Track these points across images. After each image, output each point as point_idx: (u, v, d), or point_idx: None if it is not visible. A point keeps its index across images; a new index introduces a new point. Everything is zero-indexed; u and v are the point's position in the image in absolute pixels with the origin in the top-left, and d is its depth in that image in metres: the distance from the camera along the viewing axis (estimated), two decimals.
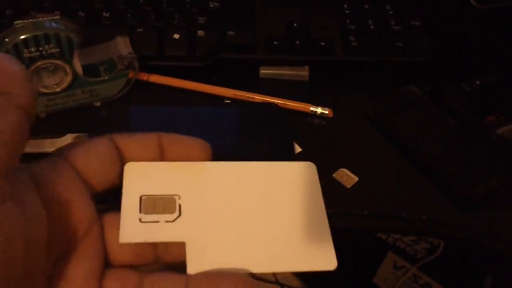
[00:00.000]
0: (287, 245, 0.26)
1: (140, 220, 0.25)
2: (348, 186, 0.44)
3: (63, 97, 0.45)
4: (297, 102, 0.49)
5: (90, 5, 0.52)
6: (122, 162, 0.26)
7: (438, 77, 0.53)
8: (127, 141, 0.26)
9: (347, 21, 0.54)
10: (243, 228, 0.26)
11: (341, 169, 0.45)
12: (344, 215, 0.42)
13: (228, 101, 0.49)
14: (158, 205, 0.26)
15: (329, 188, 0.44)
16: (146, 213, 0.25)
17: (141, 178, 0.26)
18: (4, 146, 0.19)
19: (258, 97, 0.49)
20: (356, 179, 0.44)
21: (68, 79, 0.44)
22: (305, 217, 0.27)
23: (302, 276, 1.25)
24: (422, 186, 0.45)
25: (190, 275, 0.24)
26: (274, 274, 1.25)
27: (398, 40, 0.53)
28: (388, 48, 0.53)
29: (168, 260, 0.26)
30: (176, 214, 0.26)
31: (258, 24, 0.53)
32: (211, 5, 0.54)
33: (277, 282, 1.24)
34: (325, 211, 0.28)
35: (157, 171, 0.27)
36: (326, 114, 0.48)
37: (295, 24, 0.53)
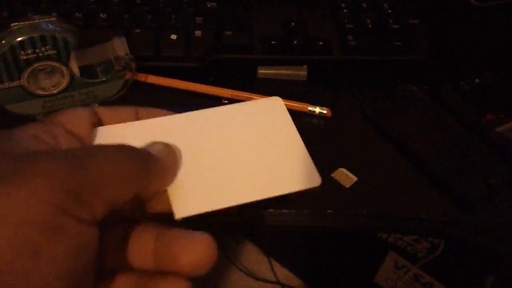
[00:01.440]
0: (268, 173, 0.28)
1: None
2: (347, 186, 0.43)
3: (60, 98, 0.45)
4: (295, 102, 0.49)
5: (87, 6, 0.52)
6: None
7: (437, 76, 0.53)
8: (109, 112, 0.28)
9: (345, 20, 0.54)
10: (222, 166, 0.27)
11: (339, 169, 0.44)
12: (343, 215, 0.42)
13: (225, 101, 0.49)
14: None
15: (328, 188, 0.44)
16: None
17: (113, 139, 0.27)
18: (66, 271, 0.19)
19: (256, 98, 0.49)
20: (355, 179, 0.44)
21: (65, 81, 0.44)
22: (281, 146, 0.29)
23: (303, 276, 1.25)
24: (421, 185, 0.44)
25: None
26: (275, 275, 1.25)
27: (396, 39, 0.53)
28: (386, 47, 0.52)
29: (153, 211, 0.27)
30: None
31: (255, 24, 0.53)
32: (208, 5, 0.54)
33: (278, 282, 1.24)
34: (300, 138, 0.30)
35: (127, 131, 0.28)
36: (325, 114, 0.48)
37: (292, 24, 0.53)
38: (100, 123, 0.28)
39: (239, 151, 0.28)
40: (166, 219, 0.26)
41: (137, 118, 0.29)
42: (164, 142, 0.26)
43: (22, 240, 0.18)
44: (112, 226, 0.25)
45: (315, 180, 0.28)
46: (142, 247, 0.25)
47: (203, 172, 0.27)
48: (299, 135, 0.30)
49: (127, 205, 0.24)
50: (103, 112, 0.28)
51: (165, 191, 0.26)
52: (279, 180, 0.28)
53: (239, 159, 0.28)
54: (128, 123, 0.28)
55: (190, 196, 0.26)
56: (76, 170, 0.20)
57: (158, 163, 0.25)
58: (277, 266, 1.28)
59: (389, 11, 0.55)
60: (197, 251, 0.23)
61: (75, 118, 0.27)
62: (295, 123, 0.47)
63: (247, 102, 0.31)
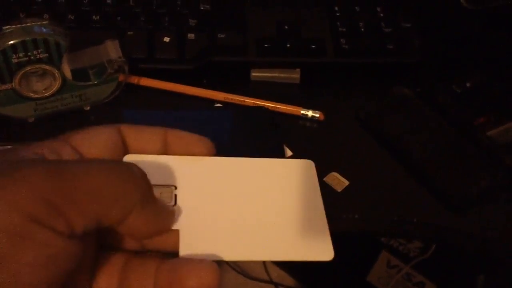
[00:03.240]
0: (282, 235, 0.27)
1: None
2: (339, 190, 0.44)
3: (52, 101, 0.45)
4: (288, 105, 0.49)
5: (80, 8, 0.52)
6: (126, 153, 0.26)
7: (429, 79, 0.53)
8: (134, 133, 0.26)
9: (338, 23, 0.54)
10: (237, 219, 0.27)
11: (332, 173, 0.45)
12: (335, 219, 0.42)
13: (218, 104, 0.49)
14: (155, 194, 0.26)
15: (320, 192, 0.44)
16: None
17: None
18: (37, 279, 0.19)
19: (249, 101, 0.49)
20: (347, 183, 0.44)
21: (57, 84, 0.44)
22: (302, 211, 0.28)
23: (297, 275, 1.25)
24: (413, 188, 0.45)
25: (162, 260, 0.25)
26: (268, 274, 1.25)
27: (389, 42, 0.53)
28: (379, 50, 0.53)
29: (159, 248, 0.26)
30: (172, 203, 0.26)
31: (249, 26, 0.53)
32: (202, 8, 0.53)
33: (271, 282, 1.25)
34: (322, 206, 0.28)
35: (155, 163, 0.27)
36: (317, 117, 0.48)
37: (286, 26, 0.53)
38: (123, 143, 0.26)
39: (259, 208, 0.27)
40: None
41: (166, 140, 0.27)
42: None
43: None
44: (112, 253, 0.25)
45: (328, 255, 0.27)
46: (143, 274, 0.24)
47: (218, 221, 0.26)
48: (322, 203, 0.29)
49: (124, 233, 0.24)
50: (128, 131, 0.26)
51: (177, 231, 0.25)
52: (291, 245, 0.27)
53: (256, 216, 0.27)
54: (159, 156, 0.27)
55: (199, 242, 0.25)
56: (56, 180, 0.20)
57: (157, 203, 0.24)
58: (270, 265, 1.28)
59: (382, 14, 0.55)
60: (203, 275, 0.23)
61: (93, 139, 0.25)
62: (286, 127, 0.48)
63: (280, 160, 0.30)
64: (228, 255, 0.25)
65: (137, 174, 0.22)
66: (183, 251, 0.25)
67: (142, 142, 0.26)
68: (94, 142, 0.25)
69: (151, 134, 0.27)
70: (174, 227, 0.25)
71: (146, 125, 0.27)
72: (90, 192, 0.20)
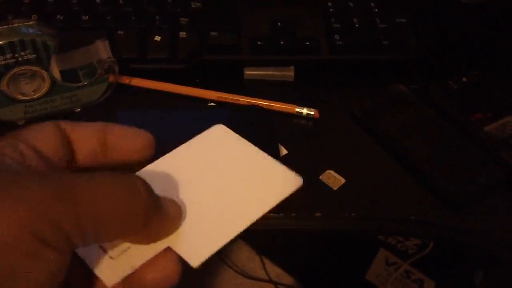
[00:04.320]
0: (252, 193, 0.28)
1: None
2: (335, 188, 0.43)
3: (42, 103, 0.44)
4: (282, 103, 0.48)
5: (69, 8, 0.51)
6: (69, 145, 0.27)
7: (425, 75, 0.53)
8: (71, 127, 0.27)
9: (332, 20, 0.53)
10: (209, 204, 0.27)
11: (327, 171, 0.44)
12: (331, 218, 0.42)
13: (212, 103, 0.49)
14: None
15: (316, 190, 0.44)
16: None
17: None
18: None
19: (243, 99, 0.48)
20: (343, 181, 0.43)
21: (46, 85, 0.43)
22: (250, 165, 0.29)
23: (296, 274, 1.25)
24: (409, 186, 0.44)
25: None
26: (267, 273, 1.25)
27: (384, 39, 0.52)
28: (374, 47, 0.52)
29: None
30: None
31: (241, 24, 0.52)
32: (193, 6, 0.53)
33: (269, 280, 1.24)
34: (261, 151, 0.30)
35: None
36: (312, 115, 0.48)
37: (279, 24, 0.52)
38: (64, 137, 0.27)
39: (216, 185, 0.28)
40: None
41: (104, 135, 0.28)
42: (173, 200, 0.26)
43: (0, 261, 0.18)
44: None
45: (296, 182, 0.29)
46: None
47: (197, 216, 0.27)
48: (259, 150, 0.30)
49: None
50: (65, 126, 0.27)
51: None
52: (265, 196, 0.28)
53: (220, 193, 0.28)
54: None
55: (195, 243, 0.25)
56: (61, 200, 0.20)
57: (163, 216, 0.24)
58: (268, 264, 1.28)
59: (376, 10, 0.54)
60: None
61: (38, 134, 0.25)
62: (281, 125, 0.47)
63: (194, 139, 0.31)
64: (225, 238, 0.26)
65: (140, 193, 0.22)
66: (193, 262, 0.25)
67: (80, 135, 0.27)
68: (41, 137, 0.25)
69: (87, 128, 0.28)
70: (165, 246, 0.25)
71: (84, 122, 0.28)
72: (93, 216, 0.21)
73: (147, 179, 0.23)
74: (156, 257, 0.24)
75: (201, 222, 0.26)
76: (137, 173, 0.28)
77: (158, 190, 0.25)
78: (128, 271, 0.24)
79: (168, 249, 0.25)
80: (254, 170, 0.29)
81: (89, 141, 0.27)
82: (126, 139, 0.28)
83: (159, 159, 0.29)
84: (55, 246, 0.20)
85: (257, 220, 0.27)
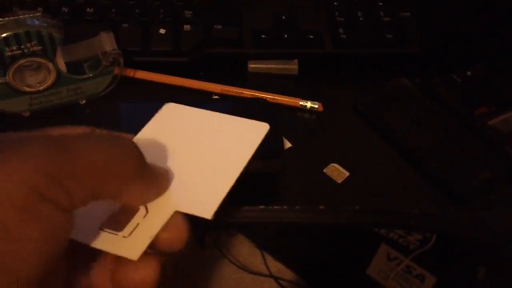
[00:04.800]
0: (227, 152, 0.29)
1: None
2: (339, 181, 0.43)
3: (47, 95, 0.44)
4: (286, 96, 0.48)
5: (74, 1, 0.51)
6: None
7: (429, 69, 0.53)
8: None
9: (336, 13, 0.53)
10: (199, 166, 0.28)
11: (331, 164, 0.44)
12: (335, 211, 0.42)
13: (216, 96, 0.49)
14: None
15: (320, 184, 0.44)
16: None
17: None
18: (38, 255, 0.19)
19: (247, 92, 0.48)
20: (347, 174, 0.43)
21: (51, 77, 0.43)
22: (216, 166, 0.29)
23: (296, 268, 1.25)
24: (413, 180, 0.44)
25: None
26: (268, 268, 1.25)
27: (388, 32, 0.52)
28: (378, 40, 0.52)
29: None
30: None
31: (245, 18, 0.52)
32: None
33: (270, 275, 1.24)
34: (240, 169, 0.29)
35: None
36: (316, 108, 0.48)
37: (283, 17, 0.52)
38: None
39: (194, 153, 0.29)
40: None
41: None
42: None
43: None
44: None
45: (263, 127, 0.30)
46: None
47: (188, 178, 0.28)
48: (216, 113, 0.32)
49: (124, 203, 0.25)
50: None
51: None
52: (242, 148, 0.29)
53: (200, 157, 0.29)
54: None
55: (201, 199, 0.26)
56: (59, 155, 0.20)
57: (153, 170, 0.25)
58: (270, 259, 1.28)
59: (380, 3, 0.54)
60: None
61: None
62: (285, 118, 0.47)
63: (150, 122, 0.32)
64: (225, 186, 0.27)
65: (131, 148, 0.23)
66: (206, 214, 0.26)
67: None
68: None
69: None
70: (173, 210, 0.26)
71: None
72: (89, 167, 0.21)
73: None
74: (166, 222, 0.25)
75: (196, 182, 0.27)
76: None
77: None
78: (147, 240, 0.24)
79: (176, 213, 0.25)
80: (221, 130, 0.31)
81: None
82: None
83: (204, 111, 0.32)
84: (56, 201, 0.20)
85: (244, 170, 0.28)
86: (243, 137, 0.30)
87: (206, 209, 0.26)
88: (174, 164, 0.28)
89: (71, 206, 0.20)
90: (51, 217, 0.19)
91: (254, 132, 0.30)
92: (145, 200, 0.25)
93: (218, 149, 0.29)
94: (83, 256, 0.26)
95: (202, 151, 0.29)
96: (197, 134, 0.30)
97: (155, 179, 0.25)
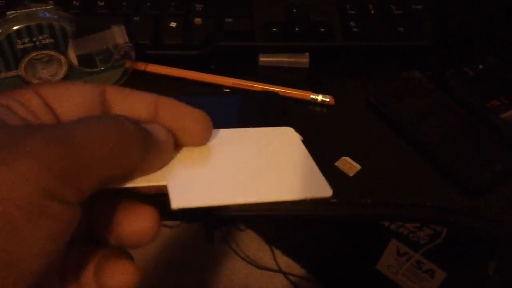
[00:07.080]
0: (273, 179, 0.27)
1: None
2: (351, 175, 0.43)
3: None
4: (297, 90, 0.48)
5: None
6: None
7: (441, 62, 0.52)
8: (121, 95, 0.25)
9: (347, 6, 0.53)
10: (226, 168, 0.27)
11: (343, 157, 0.44)
12: (347, 204, 0.42)
13: (227, 90, 0.49)
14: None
15: (332, 177, 0.43)
16: None
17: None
18: (44, 253, 0.19)
19: (258, 86, 0.48)
20: (359, 167, 0.43)
21: (63, 70, 0.43)
22: (288, 158, 0.29)
23: (305, 264, 1.25)
24: (425, 172, 0.44)
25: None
26: (277, 263, 1.25)
27: (399, 25, 0.52)
28: (389, 33, 0.52)
29: None
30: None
31: (256, 11, 0.52)
32: None
33: (279, 270, 1.25)
34: (310, 157, 0.29)
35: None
36: (327, 101, 0.48)
37: (294, 10, 0.52)
38: (104, 104, 0.25)
39: (246, 159, 0.28)
40: None
41: (156, 107, 0.26)
42: (163, 126, 0.25)
43: (3, 219, 0.18)
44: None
45: (325, 191, 0.28)
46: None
47: (206, 170, 0.27)
48: (310, 156, 0.30)
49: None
50: (114, 93, 0.25)
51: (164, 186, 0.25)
52: (286, 186, 0.27)
53: (244, 164, 0.27)
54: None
55: (188, 190, 0.25)
56: (65, 149, 0.20)
57: (155, 142, 0.24)
58: (278, 254, 1.28)
59: None
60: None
61: (67, 95, 0.24)
62: (296, 112, 0.47)
63: (260, 128, 0.31)
64: (217, 200, 0.25)
65: (132, 128, 0.22)
66: (174, 203, 0.24)
67: (127, 105, 0.25)
68: (68, 99, 0.24)
69: (138, 98, 0.25)
70: (163, 182, 0.25)
71: (135, 91, 0.26)
72: (95, 158, 0.20)
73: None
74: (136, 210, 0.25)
75: (206, 177, 0.26)
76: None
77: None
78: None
79: (147, 206, 0.25)
80: (290, 162, 0.28)
81: (137, 113, 0.25)
82: (179, 118, 0.26)
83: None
84: (63, 198, 0.19)
85: (263, 202, 0.26)
86: (300, 181, 0.27)
87: (178, 200, 0.25)
88: (223, 152, 0.27)
89: (78, 199, 0.20)
90: (58, 215, 0.19)
91: (314, 186, 0.28)
92: (154, 169, 0.25)
93: (269, 170, 0.27)
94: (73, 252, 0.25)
95: (256, 163, 0.28)
96: (271, 152, 0.29)
97: (158, 144, 0.24)
